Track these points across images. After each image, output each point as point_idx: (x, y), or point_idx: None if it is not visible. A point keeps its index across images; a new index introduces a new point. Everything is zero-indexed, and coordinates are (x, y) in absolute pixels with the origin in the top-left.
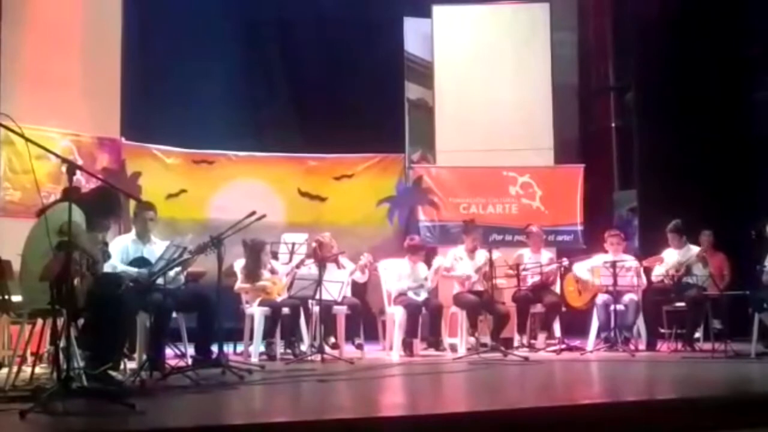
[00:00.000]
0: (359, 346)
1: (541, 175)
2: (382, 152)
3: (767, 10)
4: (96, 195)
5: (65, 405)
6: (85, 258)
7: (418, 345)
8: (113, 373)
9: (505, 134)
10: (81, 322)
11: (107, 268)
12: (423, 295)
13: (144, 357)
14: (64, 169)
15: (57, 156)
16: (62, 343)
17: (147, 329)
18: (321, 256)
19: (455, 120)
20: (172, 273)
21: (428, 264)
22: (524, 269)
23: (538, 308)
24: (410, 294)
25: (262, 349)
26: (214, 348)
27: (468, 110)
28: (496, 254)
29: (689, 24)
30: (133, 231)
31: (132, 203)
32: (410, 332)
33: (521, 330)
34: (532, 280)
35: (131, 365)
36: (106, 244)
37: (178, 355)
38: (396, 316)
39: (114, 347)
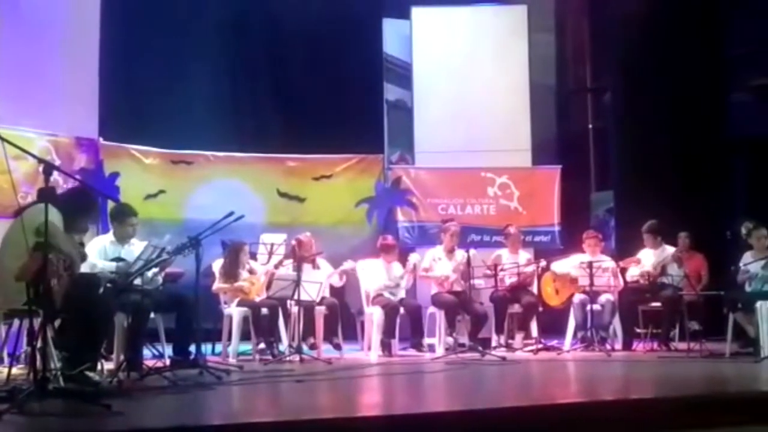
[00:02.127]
0: (337, 346)
1: (519, 176)
2: (361, 153)
3: (746, 11)
4: (72, 195)
5: (42, 406)
6: (62, 259)
7: (396, 345)
8: (90, 374)
9: (484, 135)
10: (58, 322)
11: (85, 266)
12: (400, 295)
13: (121, 358)
14: (41, 169)
15: (33, 156)
16: (39, 344)
17: (125, 330)
18: (300, 255)
19: (434, 121)
20: (150, 273)
21: (403, 263)
22: (502, 269)
23: (516, 308)
24: (386, 294)
25: (242, 348)
26: (192, 349)
27: (447, 111)
28: (475, 254)
29: (667, 25)
30: (111, 232)
31: (111, 204)
32: (388, 332)
33: (499, 330)
34: (510, 280)
35: (109, 366)
36: (82, 245)
37: (156, 355)
38: (374, 316)
39: (91, 348)
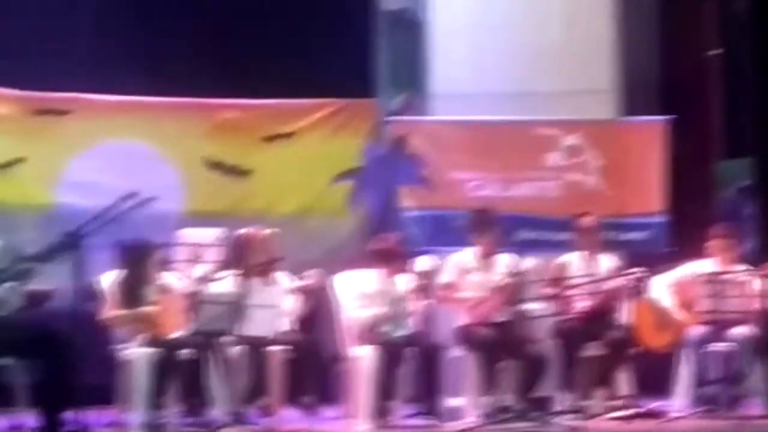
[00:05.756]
0: (310, 407)
1: (600, 135)
2: (341, 96)
3: None
4: None
5: None
6: None
7: (400, 409)
8: None
9: (542, 68)
10: None
11: None
12: (405, 328)
13: None
14: None
15: None
16: None
17: None
18: (245, 263)
19: (463, 44)
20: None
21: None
22: (572, 286)
23: (594, 349)
24: (384, 328)
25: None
26: (70, 417)
27: (484, 29)
28: (528, 262)
29: None
30: None
31: None
32: (386, 389)
33: (566, 384)
34: (584, 303)
35: None
36: None
37: (13, 427)
38: (363, 362)
39: None
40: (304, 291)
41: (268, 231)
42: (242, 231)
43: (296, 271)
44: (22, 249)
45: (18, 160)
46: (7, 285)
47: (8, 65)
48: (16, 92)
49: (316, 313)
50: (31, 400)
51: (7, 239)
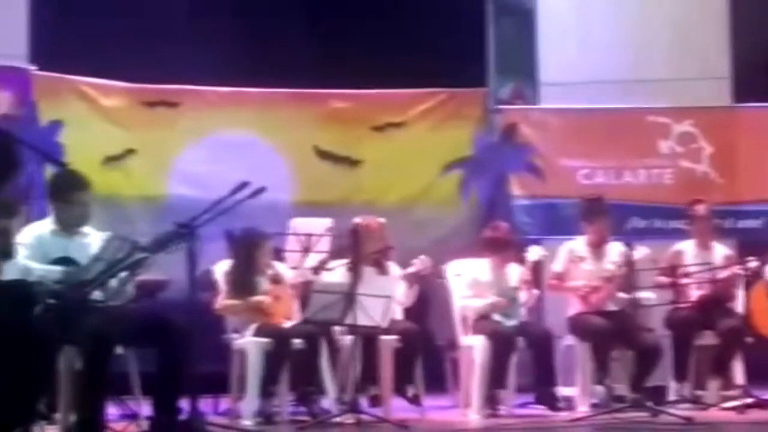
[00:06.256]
0: (414, 399)
1: (713, 122)
2: (451, 86)
3: None
4: None
5: None
6: None
7: (512, 398)
8: None
9: (654, 54)
10: None
11: (12, 271)
12: (517, 318)
13: (72, 419)
14: None
15: None
16: None
17: (76, 375)
18: (358, 252)
19: (572, 31)
20: (114, 282)
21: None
22: (685, 275)
23: (708, 338)
24: (496, 317)
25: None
26: (184, 405)
27: (593, 15)
28: (640, 251)
29: None
30: (52, 216)
31: (50, 172)
32: (498, 378)
33: (680, 374)
34: (698, 292)
35: None
36: (6, 234)
37: (128, 415)
38: (475, 351)
39: (23, 402)
40: (413, 278)
41: (380, 220)
42: (357, 220)
43: (406, 260)
44: (135, 240)
45: (130, 152)
46: (122, 276)
47: (120, 58)
48: (128, 84)
49: (426, 302)
50: (146, 389)
51: (121, 230)
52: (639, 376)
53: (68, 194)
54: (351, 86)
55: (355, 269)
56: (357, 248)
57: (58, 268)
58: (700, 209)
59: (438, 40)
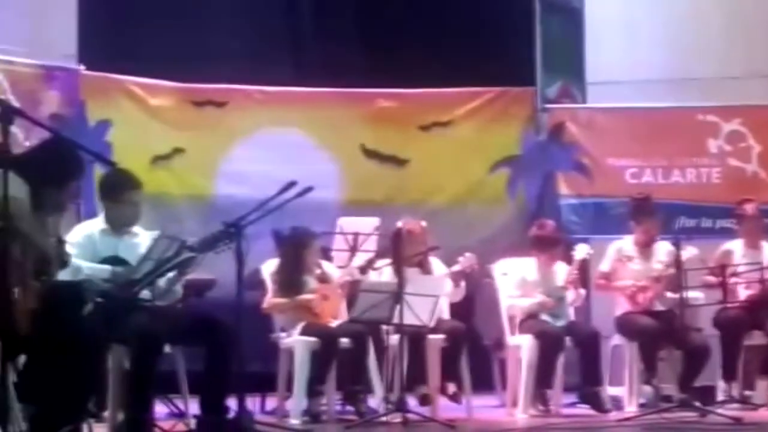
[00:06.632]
0: (454, 397)
1: (762, 120)
2: (498, 85)
3: None
4: (43, 153)
5: None
6: (31, 255)
7: (559, 397)
8: None
9: (702, 53)
10: (23, 360)
11: (64, 272)
12: (565, 318)
13: (120, 417)
14: None
15: None
16: None
17: (125, 373)
18: (403, 253)
19: (619, 30)
20: (163, 282)
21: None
22: (734, 274)
23: (757, 338)
24: (544, 316)
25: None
26: (232, 404)
27: (641, 14)
28: (688, 250)
29: None
30: (101, 216)
31: (99, 172)
32: (545, 377)
33: (729, 374)
34: (747, 291)
35: (101, 430)
36: (61, 242)
37: (175, 413)
38: (523, 351)
39: (73, 401)
40: (460, 276)
41: (423, 223)
42: (399, 223)
43: (453, 259)
44: (183, 239)
45: (178, 151)
46: (170, 275)
47: (168, 58)
48: (176, 84)
49: (473, 301)
50: (193, 388)
51: (169, 229)
52: (687, 376)
53: (119, 194)
54: (398, 85)
55: (398, 271)
56: (399, 251)
57: (107, 268)
58: (749, 208)
59: (485, 39)
